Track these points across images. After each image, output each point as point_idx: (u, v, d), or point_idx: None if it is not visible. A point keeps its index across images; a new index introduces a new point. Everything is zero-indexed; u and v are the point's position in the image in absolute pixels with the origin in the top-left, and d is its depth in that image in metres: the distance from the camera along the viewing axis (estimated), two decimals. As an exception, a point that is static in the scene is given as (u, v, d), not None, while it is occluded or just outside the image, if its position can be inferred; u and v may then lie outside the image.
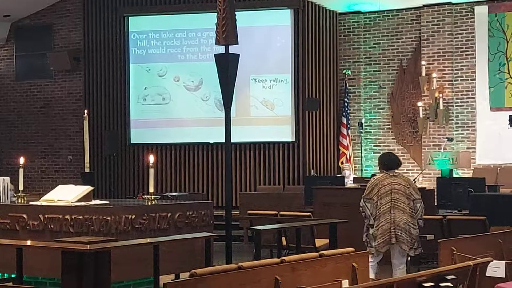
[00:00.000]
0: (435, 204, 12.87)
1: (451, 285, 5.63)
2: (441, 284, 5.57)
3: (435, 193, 13.06)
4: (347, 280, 6.50)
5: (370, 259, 8.73)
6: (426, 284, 5.47)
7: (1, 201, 9.71)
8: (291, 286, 6.05)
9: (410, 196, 9.25)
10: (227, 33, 9.41)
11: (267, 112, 17.76)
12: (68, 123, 19.97)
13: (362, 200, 9.35)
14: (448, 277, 5.66)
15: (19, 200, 9.72)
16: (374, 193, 9.25)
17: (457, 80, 17.00)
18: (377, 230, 9.23)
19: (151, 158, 9.34)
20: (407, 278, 5.67)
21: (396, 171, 9.45)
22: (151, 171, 9.25)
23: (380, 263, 9.50)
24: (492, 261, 6.45)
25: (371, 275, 8.61)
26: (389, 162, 9.48)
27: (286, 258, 6.42)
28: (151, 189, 9.28)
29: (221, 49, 9.74)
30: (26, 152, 19.10)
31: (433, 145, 16.95)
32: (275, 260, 6.42)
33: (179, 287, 5.42)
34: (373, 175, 9.62)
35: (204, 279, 5.58)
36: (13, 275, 8.60)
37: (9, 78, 20.91)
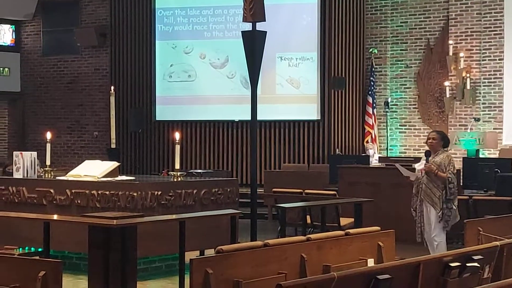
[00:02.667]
0: (461, 184, 12.81)
1: (478, 265, 5.62)
2: (468, 264, 5.55)
3: (461, 174, 12.98)
4: (373, 259, 6.51)
5: (442, 237, 9.19)
6: (452, 264, 5.46)
7: (29, 175, 9.78)
8: (317, 264, 6.07)
9: None
10: (254, 10, 9.38)
11: (292, 91, 17.71)
12: (95, 99, 20.04)
13: (451, 174, 9.26)
14: (475, 257, 5.64)
15: (46, 175, 9.79)
16: (455, 170, 9.43)
17: (485, 60, 16.84)
18: (456, 206, 9.33)
19: (177, 135, 9.36)
20: (433, 257, 5.67)
21: None
22: (177, 147, 9.28)
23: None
24: (519, 241, 6.42)
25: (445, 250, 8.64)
26: (449, 142, 9.79)
27: (312, 236, 6.45)
28: (177, 166, 9.31)
29: (248, 27, 9.71)
30: (53, 127, 19.17)
31: (460, 125, 16.83)
32: (301, 238, 6.45)
33: (205, 263, 5.44)
34: (429, 152, 9.50)
35: (230, 255, 5.62)
36: (40, 249, 8.68)
37: (36, 54, 20.99)
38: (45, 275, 5.25)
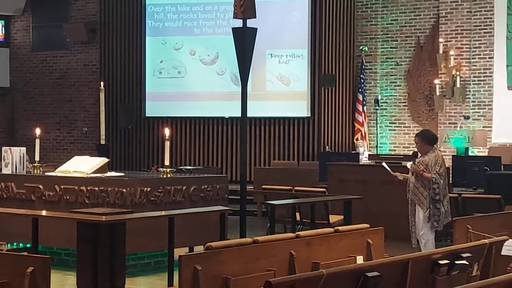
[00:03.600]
0: (450, 182, 12.83)
1: (467, 263, 5.63)
2: (456, 262, 5.56)
3: (451, 172, 13.00)
4: (362, 256, 6.51)
5: (430, 236, 9.30)
6: (441, 262, 5.46)
7: (18, 171, 9.75)
8: (306, 261, 6.06)
9: None
10: (245, 6, 9.35)
11: (282, 88, 17.71)
12: (84, 95, 19.99)
13: (435, 175, 9.27)
14: (464, 255, 5.65)
15: (35, 170, 9.76)
16: (443, 170, 9.37)
17: (475, 58, 16.86)
18: (446, 206, 9.39)
19: (167, 131, 9.35)
20: (422, 255, 5.67)
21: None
22: (167, 144, 9.27)
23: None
24: (508, 239, 6.43)
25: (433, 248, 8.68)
26: (436, 138, 9.86)
27: (301, 233, 6.43)
28: (167, 162, 9.30)
29: (238, 23, 9.69)
30: (42, 123, 19.13)
31: (449, 123, 16.86)
32: (290, 235, 6.44)
33: (194, 259, 5.42)
34: (416, 153, 9.60)
35: (219, 252, 5.60)
36: (28, 245, 8.65)
37: (26, 49, 20.92)
38: (33, 271, 5.22)
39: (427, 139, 9.55)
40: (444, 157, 9.83)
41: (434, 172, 9.25)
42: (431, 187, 9.27)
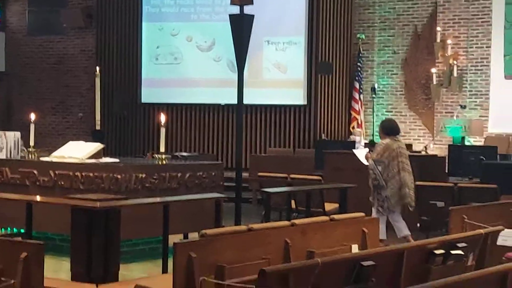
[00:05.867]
0: (446, 171, 12.82)
1: (462, 253, 5.61)
2: (452, 252, 5.54)
3: (447, 161, 13.00)
4: (357, 245, 6.49)
5: (396, 220, 9.57)
6: (437, 251, 5.45)
7: (12, 156, 9.70)
8: (301, 249, 6.03)
9: (408, 158, 9.84)
10: (242, -7, 9.31)
11: (279, 75, 17.66)
12: (80, 80, 19.93)
13: (372, 162, 9.70)
14: (459, 245, 5.63)
15: (30, 155, 9.71)
16: (385, 156, 9.66)
17: (472, 47, 16.84)
18: (389, 191, 9.58)
19: (163, 118, 9.30)
20: (417, 245, 5.65)
21: (397, 136, 9.95)
22: (162, 130, 9.22)
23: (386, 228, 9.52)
24: (503, 229, 6.41)
25: (383, 236, 8.71)
26: (395, 129, 10.03)
27: (297, 221, 6.40)
28: (162, 149, 9.25)
29: (235, 10, 9.65)
30: (38, 108, 19.05)
31: (446, 112, 16.85)
32: (285, 223, 6.41)
33: (189, 247, 5.40)
34: (372, 141, 10.00)
35: (214, 239, 5.57)
36: (22, 230, 8.62)
37: (21, 33, 20.84)
38: (27, 257, 5.19)
39: (383, 129, 10.05)
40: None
41: (371, 159, 9.74)
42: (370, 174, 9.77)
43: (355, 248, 6.42)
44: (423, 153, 13.52)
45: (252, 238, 5.83)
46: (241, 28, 9.46)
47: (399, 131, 10.16)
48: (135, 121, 18.87)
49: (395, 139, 9.85)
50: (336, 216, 6.77)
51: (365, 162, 10.11)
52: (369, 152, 10.01)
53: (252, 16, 9.53)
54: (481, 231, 6.08)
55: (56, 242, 9.22)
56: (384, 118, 17.53)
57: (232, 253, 5.58)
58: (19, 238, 8.55)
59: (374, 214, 9.53)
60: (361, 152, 10.30)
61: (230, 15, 9.63)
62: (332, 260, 4.79)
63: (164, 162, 9.22)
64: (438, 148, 16.04)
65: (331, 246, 6.25)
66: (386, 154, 9.69)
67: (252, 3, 9.43)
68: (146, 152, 17.30)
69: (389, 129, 10.00)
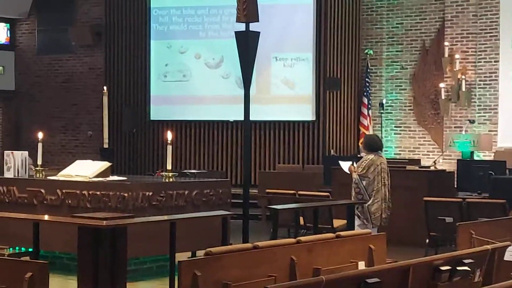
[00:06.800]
0: (456, 186, 12.77)
1: (468, 269, 5.58)
2: (458, 268, 5.51)
3: (455, 176, 12.95)
4: (364, 262, 6.46)
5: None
6: (443, 268, 5.42)
7: (20, 175, 9.72)
8: (307, 267, 6.02)
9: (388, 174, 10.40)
10: (248, 10, 9.33)
11: (287, 91, 17.67)
12: (89, 98, 19.98)
13: (357, 177, 10.18)
14: (466, 261, 5.60)
15: (37, 174, 9.73)
16: (370, 172, 10.13)
17: (480, 62, 16.80)
18: (373, 206, 10.08)
19: (169, 135, 9.32)
20: (424, 261, 5.62)
21: (380, 152, 10.49)
22: (169, 148, 9.23)
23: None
24: (510, 245, 6.37)
25: None
26: (378, 144, 10.57)
27: (302, 238, 6.39)
28: (169, 167, 9.26)
29: (242, 27, 9.66)
30: (47, 126, 19.15)
31: (455, 127, 16.79)
32: (291, 240, 6.39)
33: (194, 265, 5.39)
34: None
35: (219, 257, 5.56)
36: (30, 249, 8.62)
37: (31, 52, 20.94)
38: (32, 276, 5.19)
39: (365, 144, 10.66)
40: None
41: (356, 173, 10.20)
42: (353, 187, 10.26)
43: (361, 265, 6.40)
44: (432, 168, 13.46)
45: (258, 256, 5.82)
46: (247, 45, 9.48)
47: (381, 147, 10.66)
48: (145, 138, 18.90)
49: (379, 155, 10.31)
50: (342, 233, 6.76)
51: (347, 171, 10.56)
52: (352, 165, 10.43)
53: (258, 33, 9.55)
54: (488, 247, 6.05)
55: (63, 261, 9.24)
56: (400, 134, 17.62)
57: (237, 271, 5.57)
58: (27, 257, 8.58)
59: (356, 226, 9.90)
60: (345, 164, 10.68)
61: (235, 32, 9.65)
62: (337, 278, 4.77)
63: (171, 179, 9.22)
64: (447, 163, 15.98)
65: (338, 263, 6.24)
66: (371, 170, 10.13)
67: (257, 20, 9.44)
68: (156, 170, 17.32)
69: (373, 145, 10.46)
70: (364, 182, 10.16)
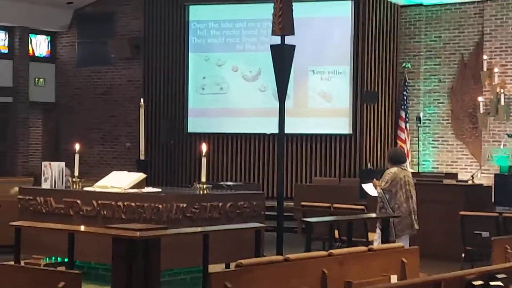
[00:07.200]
0: (493, 201, 12.66)
1: (502, 284, 5.52)
2: (491, 283, 5.46)
3: (493, 190, 12.84)
4: (396, 275, 6.43)
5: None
6: (475, 283, 5.37)
7: (56, 186, 9.84)
8: (339, 280, 6.01)
9: (414, 187, 10.37)
10: (283, 23, 9.36)
11: (324, 104, 17.67)
12: (127, 110, 20.14)
13: (381, 191, 10.21)
14: (499, 276, 5.54)
15: (74, 185, 9.83)
16: (393, 185, 10.14)
17: (519, 76, 16.67)
18: (396, 219, 10.07)
19: (204, 147, 9.37)
20: (456, 275, 5.58)
21: (403, 165, 10.41)
22: (204, 160, 9.28)
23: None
24: (545, 261, 6.31)
25: None
26: (402, 157, 10.61)
27: (334, 251, 6.38)
28: (203, 179, 9.30)
29: (278, 40, 9.69)
30: (86, 138, 19.35)
31: (493, 141, 16.65)
32: (322, 253, 6.39)
33: (225, 277, 5.41)
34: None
35: (250, 269, 5.58)
36: (66, 260, 8.70)
37: (71, 65, 21.17)
38: (64, 286, 5.25)
39: (389, 157, 10.68)
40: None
41: (379, 187, 10.24)
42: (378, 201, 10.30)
43: (394, 279, 6.37)
44: (470, 182, 13.36)
45: (289, 269, 5.83)
46: (283, 58, 9.50)
47: (405, 160, 10.66)
48: (182, 150, 18.99)
49: (402, 168, 10.31)
50: (375, 246, 6.74)
51: (374, 193, 10.53)
52: (374, 179, 10.50)
53: (293, 46, 9.55)
54: (522, 262, 5.99)
55: (98, 271, 9.30)
56: (438, 148, 17.52)
57: (268, 283, 5.58)
58: (63, 267, 8.66)
59: (376, 237, 10.05)
60: (368, 186, 10.68)
61: (271, 46, 9.68)
62: (367, 291, 4.76)
63: (205, 191, 9.25)
64: (485, 177, 15.84)
65: (370, 277, 6.21)
66: (394, 183, 10.15)
67: (293, 33, 9.45)
68: (192, 181, 17.38)
69: (396, 158, 10.47)
70: (387, 196, 10.17)
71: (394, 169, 10.26)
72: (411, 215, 10.15)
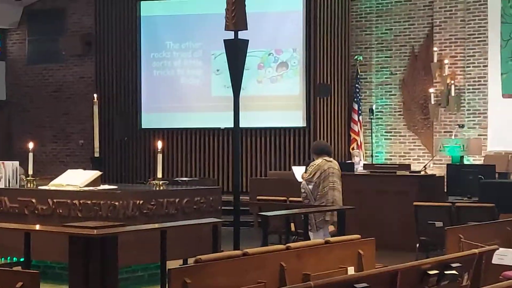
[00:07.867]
0: (445, 191, 12.83)
1: (456, 273, 5.62)
2: (446, 272, 5.55)
3: (445, 180, 13.01)
4: (353, 267, 6.50)
5: (316, 236, 10.12)
6: (431, 272, 5.46)
7: (10, 185, 9.75)
8: (296, 273, 6.05)
9: (340, 178, 10.62)
10: (236, 18, 9.38)
11: (278, 98, 17.71)
12: (80, 108, 20.01)
13: (304, 182, 10.46)
14: (453, 265, 5.64)
15: (28, 184, 9.75)
16: (316, 177, 10.37)
17: (469, 67, 16.90)
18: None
19: (160, 144, 9.35)
20: (411, 265, 5.66)
21: (328, 157, 10.66)
22: (159, 156, 9.27)
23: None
24: (498, 248, 6.42)
25: None
26: (325, 149, 10.81)
27: (292, 244, 6.43)
28: (159, 175, 9.29)
29: (232, 35, 9.71)
30: (38, 136, 19.17)
31: (444, 132, 16.87)
32: (280, 247, 6.43)
33: (183, 273, 5.42)
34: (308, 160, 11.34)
35: (208, 265, 5.59)
36: (22, 259, 8.63)
37: (21, 62, 20.96)
38: (22, 286, 5.22)
39: (313, 149, 10.94)
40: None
41: (303, 178, 10.51)
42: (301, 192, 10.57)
43: (351, 271, 6.44)
44: (422, 173, 13.52)
45: (247, 263, 5.85)
46: (236, 53, 9.53)
47: (330, 152, 10.84)
48: (136, 147, 18.92)
49: (326, 160, 10.49)
50: (331, 239, 6.80)
51: (299, 179, 10.88)
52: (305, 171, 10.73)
53: (247, 41, 9.59)
54: (476, 250, 6.09)
55: (55, 270, 9.25)
56: (390, 139, 17.70)
57: (227, 278, 5.60)
58: (19, 267, 8.59)
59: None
60: (299, 170, 11.15)
61: (224, 40, 9.70)
62: (326, 283, 4.81)
63: (161, 188, 9.25)
64: (437, 168, 16.04)
65: (327, 269, 6.27)
66: (317, 174, 10.36)
67: (246, 28, 9.49)
68: (147, 178, 17.33)
69: (319, 150, 10.70)
70: (310, 187, 10.41)
71: (318, 161, 10.50)
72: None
